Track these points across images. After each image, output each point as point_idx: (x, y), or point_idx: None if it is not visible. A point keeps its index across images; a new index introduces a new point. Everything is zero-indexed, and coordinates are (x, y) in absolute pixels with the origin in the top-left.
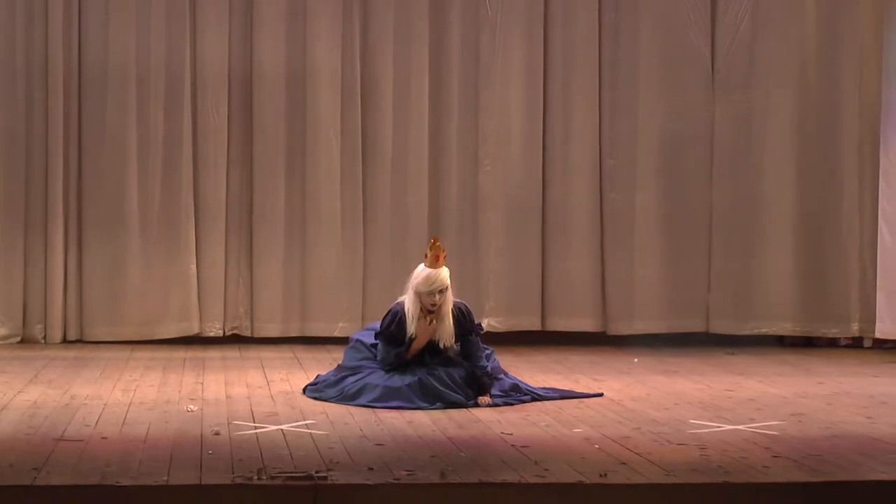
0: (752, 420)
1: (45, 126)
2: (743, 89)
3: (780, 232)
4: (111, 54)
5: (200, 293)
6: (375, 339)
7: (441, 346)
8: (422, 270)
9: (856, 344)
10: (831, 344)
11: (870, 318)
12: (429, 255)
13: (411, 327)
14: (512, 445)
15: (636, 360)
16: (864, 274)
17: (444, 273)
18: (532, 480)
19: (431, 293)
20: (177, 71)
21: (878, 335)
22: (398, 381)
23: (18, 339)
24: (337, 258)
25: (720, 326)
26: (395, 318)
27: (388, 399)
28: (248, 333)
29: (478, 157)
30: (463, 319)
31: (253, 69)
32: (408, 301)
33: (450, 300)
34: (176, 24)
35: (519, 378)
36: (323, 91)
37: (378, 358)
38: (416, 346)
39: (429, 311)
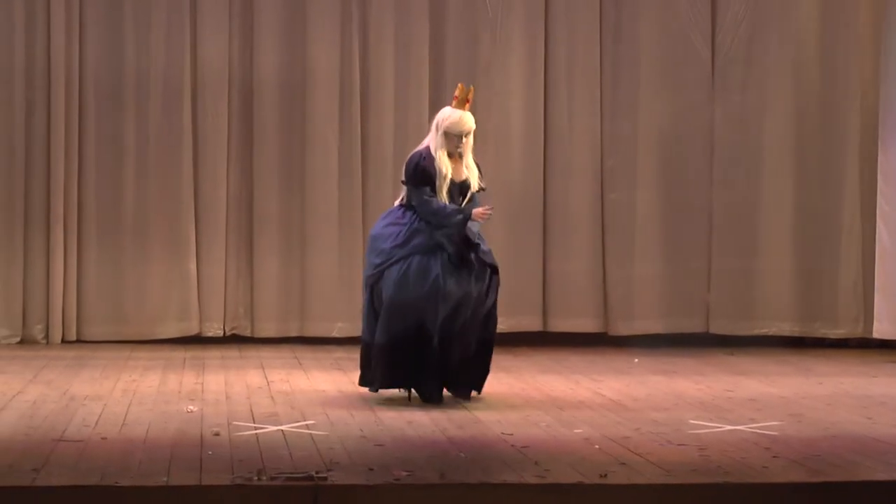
0: (752, 420)
1: (47, 129)
2: (743, 89)
3: (780, 232)
4: (112, 58)
5: (200, 293)
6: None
7: (471, 185)
8: (452, 112)
9: (855, 344)
10: (832, 345)
11: (868, 318)
12: (459, 97)
13: (442, 165)
14: (512, 446)
15: (636, 360)
16: (863, 274)
17: (471, 116)
18: (532, 481)
19: (460, 135)
20: (177, 73)
21: (875, 336)
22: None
23: (18, 339)
24: (336, 258)
25: (720, 326)
26: (423, 157)
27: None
28: (247, 333)
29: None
30: (479, 170)
31: (253, 71)
32: (433, 142)
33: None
34: (176, 26)
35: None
36: (322, 92)
37: (418, 205)
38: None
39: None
